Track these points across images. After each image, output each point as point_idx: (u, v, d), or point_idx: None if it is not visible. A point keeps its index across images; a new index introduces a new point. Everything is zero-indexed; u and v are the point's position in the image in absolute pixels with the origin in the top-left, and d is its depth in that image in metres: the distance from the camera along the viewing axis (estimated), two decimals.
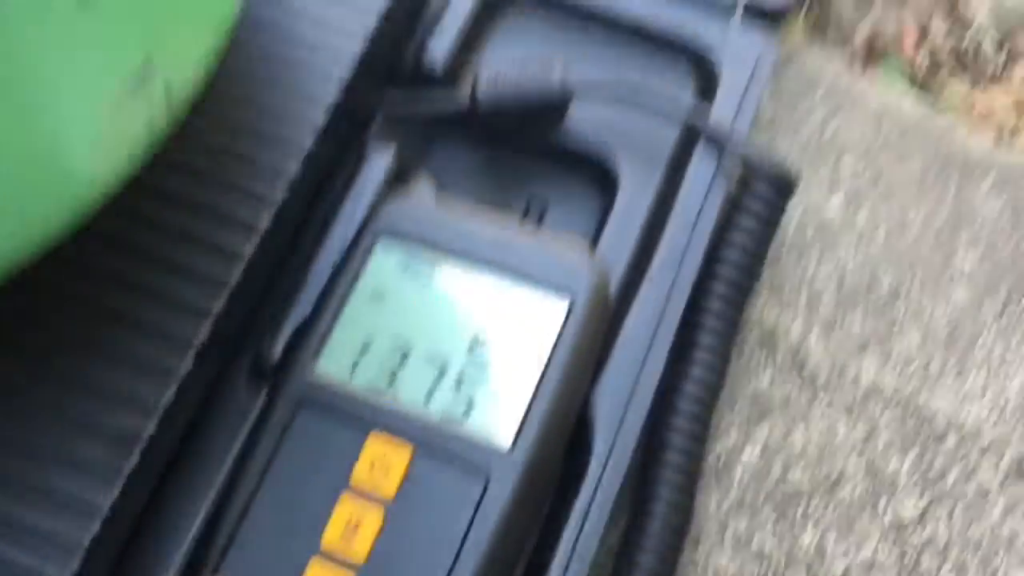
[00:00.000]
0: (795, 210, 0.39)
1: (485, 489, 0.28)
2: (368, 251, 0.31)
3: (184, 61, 0.28)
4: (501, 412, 0.29)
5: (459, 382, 0.30)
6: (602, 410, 0.32)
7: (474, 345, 0.30)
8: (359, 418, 0.29)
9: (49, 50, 0.24)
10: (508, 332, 0.30)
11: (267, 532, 0.28)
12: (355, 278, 0.31)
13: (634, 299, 0.34)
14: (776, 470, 0.35)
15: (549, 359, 0.30)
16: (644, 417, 0.32)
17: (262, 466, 0.29)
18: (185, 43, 0.28)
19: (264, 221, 0.31)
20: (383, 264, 0.31)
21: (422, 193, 0.33)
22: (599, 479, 0.31)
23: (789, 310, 0.38)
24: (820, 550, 0.34)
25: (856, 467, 0.36)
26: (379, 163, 0.34)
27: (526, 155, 0.37)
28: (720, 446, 0.36)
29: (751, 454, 0.36)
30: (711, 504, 0.35)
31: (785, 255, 0.39)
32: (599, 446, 0.31)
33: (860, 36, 0.48)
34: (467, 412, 0.29)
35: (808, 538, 0.35)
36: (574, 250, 0.32)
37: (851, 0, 0.49)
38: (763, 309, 0.38)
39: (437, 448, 0.29)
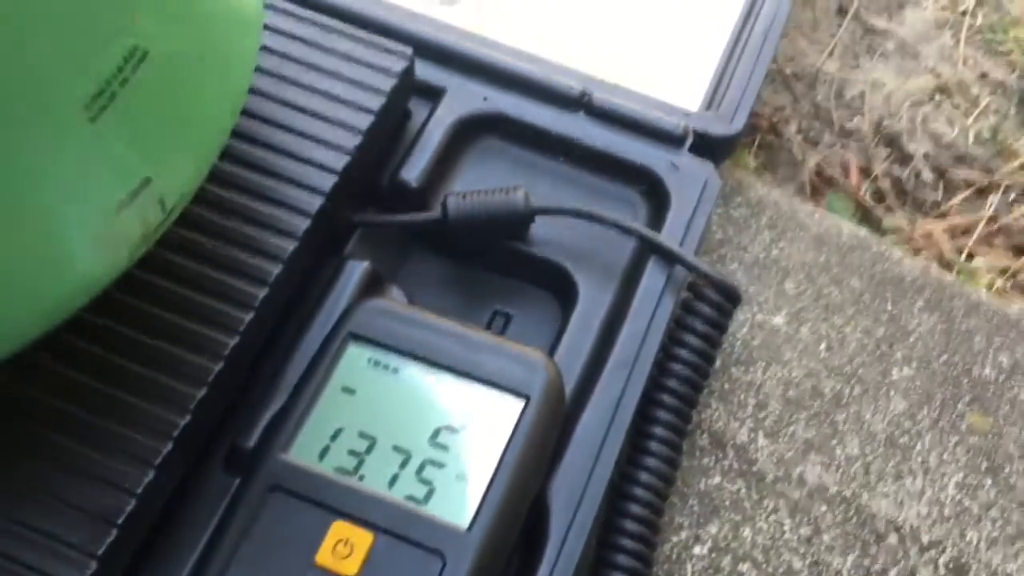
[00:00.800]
0: (743, 325, 0.42)
1: (443, 567, 0.30)
2: (340, 349, 0.34)
3: (180, 178, 0.31)
4: (460, 496, 0.31)
5: (421, 469, 0.32)
6: (558, 499, 0.34)
7: (436, 436, 0.33)
8: (326, 501, 0.31)
9: (57, 159, 0.27)
10: (468, 425, 0.33)
11: None
12: (327, 374, 0.34)
13: (589, 398, 0.36)
14: (726, 566, 0.37)
15: (506, 449, 0.32)
16: (597, 505, 0.34)
17: (232, 546, 0.31)
18: (183, 163, 0.31)
19: (244, 321, 0.34)
20: (354, 362, 0.34)
21: (392, 300, 0.36)
22: (555, 563, 0.33)
23: (737, 415, 0.40)
24: None
25: (802, 565, 0.37)
26: (355, 272, 0.37)
27: (492, 270, 0.40)
28: (672, 541, 0.37)
29: (702, 550, 0.37)
30: None
31: (733, 365, 0.41)
32: (555, 532, 0.33)
33: (808, 169, 0.52)
34: (428, 496, 0.31)
35: None
36: (531, 355, 0.35)
37: (799, 136, 0.53)
38: (713, 415, 0.40)
39: (399, 529, 0.31)
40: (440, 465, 0.32)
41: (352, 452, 0.32)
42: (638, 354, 0.37)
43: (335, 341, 0.34)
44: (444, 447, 0.32)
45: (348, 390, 0.33)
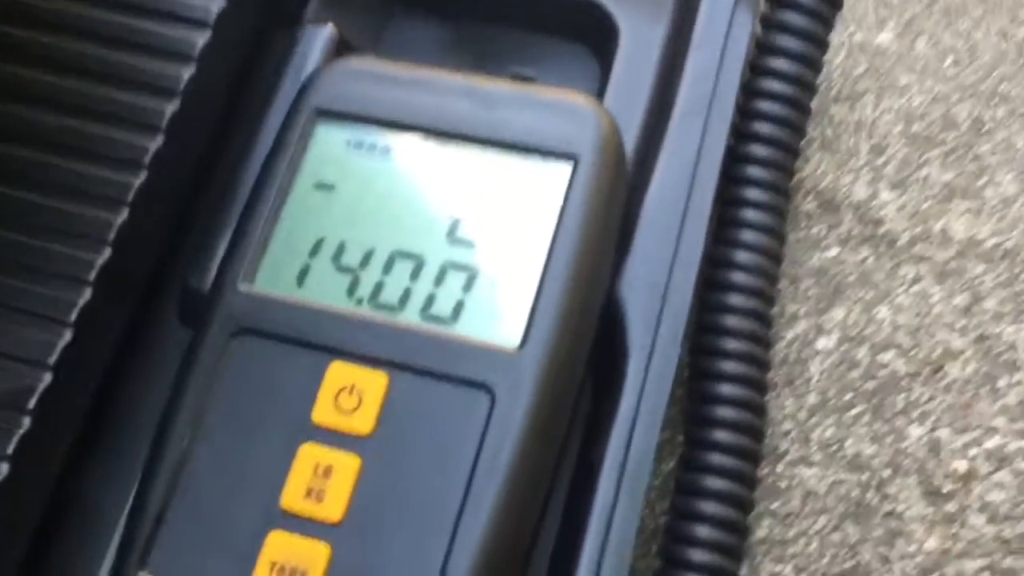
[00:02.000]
0: (838, 51, 0.32)
1: (492, 404, 0.21)
2: (306, 133, 0.24)
3: None
4: (501, 306, 0.22)
5: (441, 278, 0.23)
6: (634, 303, 0.25)
7: (455, 231, 0.23)
8: (315, 339, 0.22)
9: None
10: (498, 210, 0.23)
11: (207, 501, 0.21)
12: (292, 169, 0.24)
13: (656, 164, 0.26)
14: (862, 359, 0.28)
15: (555, 235, 0.23)
16: (688, 303, 0.25)
17: (194, 415, 0.22)
18: None
19: (166, 114, 0.24)
20: (327, 147, 0.24)
21: (369, 60, 0.26)
22: (642, 387, 0.23)
23: (849, 166, 0.30)
24: (932, 448, 0.27)
25: (963, 343, 0.28)
26: (315, 40, 0.27)
27: (501, 23, 0.30)
28: (787, 338, 0.28)
29: (828, 343, 0.28)
30: (786, 408, 0.28)
31: (834, 103, 0.31)
32: (635, 346, 0.24)
33: None
34: (456, 313, 0.22)
35: (914, 436, 0.27)
36: (573, 100, 0.25)
37: None
38: (817, 171, 0.30)
39: (422, 362, 0.22)
40: (467, 269, 0.23)
41: (341, 269, 0.23)
42: (713, 94, 0.27)
43: (297, 124, 0.24)
44: (469, 244, 0.23)
45: (323, 187, 0.24)
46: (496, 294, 0.22)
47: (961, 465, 0.27)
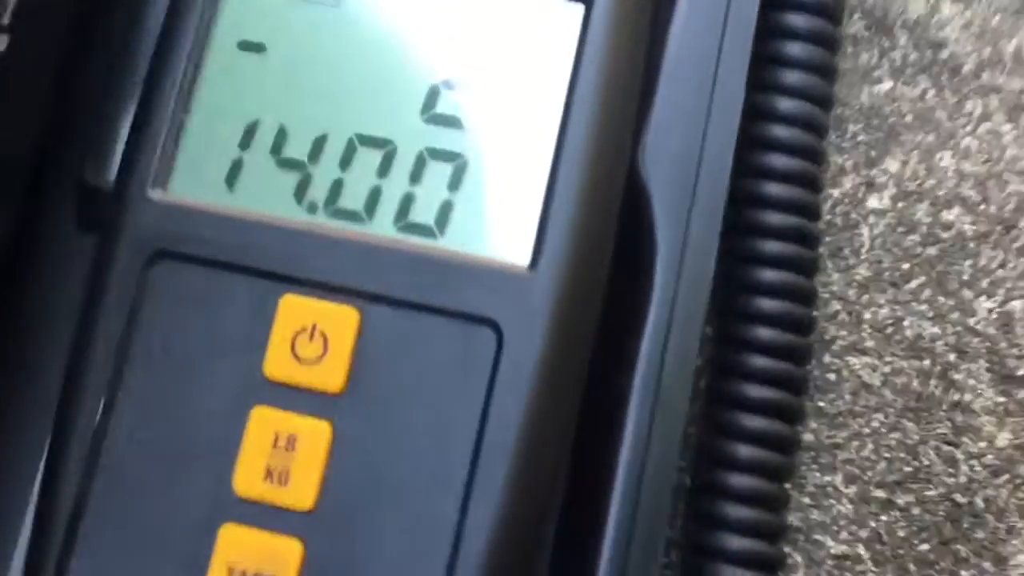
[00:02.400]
0: None
1: (499, 345, 0.16)
2: None
3: None
4: (502, 209, 0.17)
5: (418, 171, 0.17)
6: (658, 176, 0.19)
7: (434, 103, 0.17)
8: (258, 264, 0.17)
9: None
10: (489, 73, 0.17)
11: (136, 488, 0.16)
12: (206, 28, 0.18)
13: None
14: (920, 219, 0.23)
15: (567, 106, 0.17)
16: (726, 180, 0.19)
17: (109, 372, 0.16)
18: None
19: None
20: None
21: None
22: (674, 293, 0.19)
23: None
24: (1004, 325, 0.23)
25: None
26: None
27: None
28: (834, 196, 0.23)
29: (881, 201, 0.23)
30: (833, 285, 0.23)
31: None
32: (664, 232, 0.19)
33: None
34: (442, 222, 0.17)
35: (984, 311, 0.23)
36: None
37: None
38: None
39: (400, 292, 0.16)
40: (453, 159, 0.17)
41: (284, 164, 0.17)
42: None
43: None
44: (453, 122, 0.17)
45: (250, 47, 0.18)
46: (494, 193, 0.17)
47: None
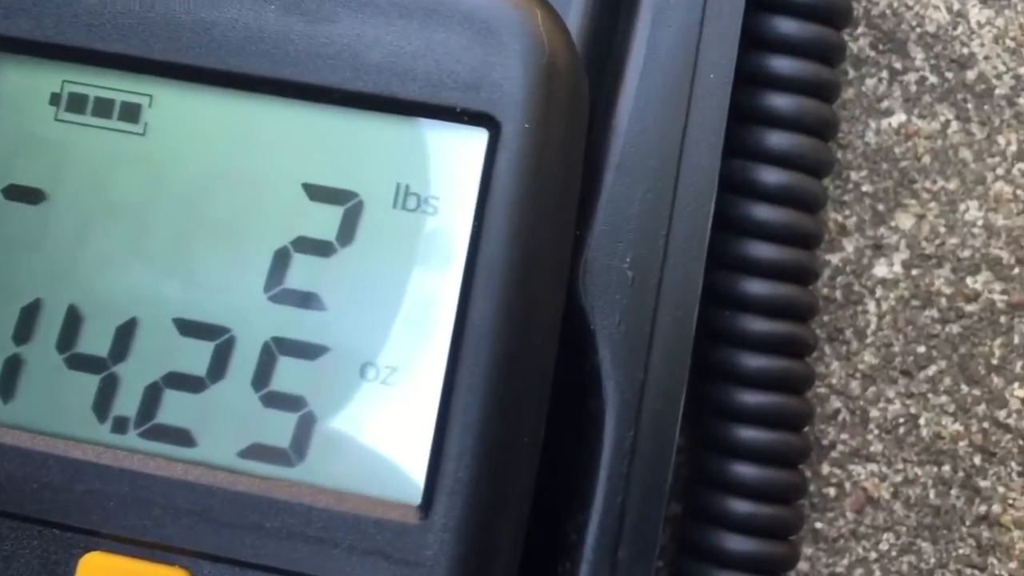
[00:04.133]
0: None
1: None
2: None
3: None
4: (381, 429, 0.12)
5: (264, 372, 0.12)
6: (603, 305, 0.15)
7: (279, 276, 0.13)
8: (47, 517, 0.12)
9: None
10: (355, 229, 0.13)
11: None
12: None
13: (625, 69, 0.15)
14: (940, 289, 0.19)
15: (470, 264, 0.12)
16: (695, 301, 0.15)
17: None
18: None
19: None
20: (19, 112, 0.13)
21: None
22: (631, 453, 0.14)
23: None
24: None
25: None
26: None
27: None
28: (831, 266, 0.19)
29: (889, 270, 0.19)
30: (831, 377, 0.19)
31: None
32: (614, 380, 0.15)
33: None
34: (300, 444, 0.12)
35: (1018, 402, 0.19)
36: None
37: None
38: None
39: (244, 550, 0.12)
40: (312, 353, 0.12)
41: (78, 361, 0.13)
42: None
43: None
44: (309, 300, 0.13)
45: (23, 194, 0.13)
46: (370, 404, 0.12)
47: None
